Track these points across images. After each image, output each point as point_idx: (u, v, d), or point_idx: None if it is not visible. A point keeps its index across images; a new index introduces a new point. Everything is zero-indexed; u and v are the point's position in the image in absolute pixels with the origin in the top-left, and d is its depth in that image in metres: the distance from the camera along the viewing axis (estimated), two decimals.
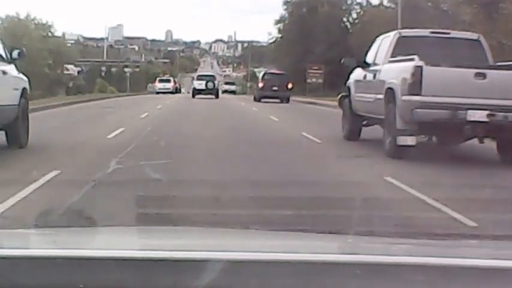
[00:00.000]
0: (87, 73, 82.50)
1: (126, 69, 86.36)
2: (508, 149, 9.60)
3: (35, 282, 1.33)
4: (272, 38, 64.37)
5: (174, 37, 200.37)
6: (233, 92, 58.76)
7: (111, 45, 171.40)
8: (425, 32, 11.07)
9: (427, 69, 9.17)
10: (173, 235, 2.06)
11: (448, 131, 9.55)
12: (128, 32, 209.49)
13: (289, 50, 56.13)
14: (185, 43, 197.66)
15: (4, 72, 9.14)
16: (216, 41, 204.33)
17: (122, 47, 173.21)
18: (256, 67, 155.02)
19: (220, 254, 1.44)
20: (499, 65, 10.05)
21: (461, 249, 1.88)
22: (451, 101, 9.14)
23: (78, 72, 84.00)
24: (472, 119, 9.15)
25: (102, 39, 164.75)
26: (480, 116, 9.16)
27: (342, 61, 12.01)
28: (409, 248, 1.82)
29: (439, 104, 9.13)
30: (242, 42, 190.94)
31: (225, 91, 57.19)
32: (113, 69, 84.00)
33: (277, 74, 38.61)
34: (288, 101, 33.64)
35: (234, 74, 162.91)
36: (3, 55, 9.50)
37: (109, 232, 2.17)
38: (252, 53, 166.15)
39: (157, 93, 50.71)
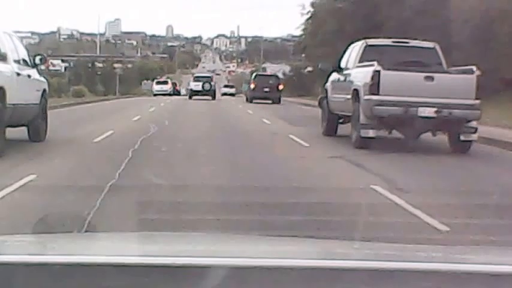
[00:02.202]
0: (71, 70, 76.77)
1: (116, 66, 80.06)
2: (456, 141, 12.37)
3: None
4: (307, 12, 46.01)
5: (175, 32, 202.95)
6: (232, 95, 61.90)
7: (107, 40, 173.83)
8: (388, 41, 13.89)
9: (384, 73, 11.95)
10: (174, 241, 2.13)
11: (403, 125, 12.32)
12: (127, 28, 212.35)
13: (340, 30, 37.05)
14: (186, 38, 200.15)
15: (29, 76, 11.52)
16: (218, 36, 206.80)
17: (120, 42, 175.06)
18: (263, 62, 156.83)
19: (223, 260, 1.52)
20: (445, 70, 12.85)
21: (468, 255, 1.97)
22: (404, 99, 11.91)
23: (65, 68, 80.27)
24: (422, 114, 11.92)
25: (100, 34, 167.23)
26: (429, 112, 11.93)
27: (319, 66, 14.87)
28: (416, 254, 1.90)
29: (394, 102, 11.90)
30: (246, 37, 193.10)
31: (224, 94, 60.57)
32: (100, 65, 77.82)
33: (269, 75, 42.49)
34: (279, 101, 36.49)
35: (239, 70, 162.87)
36: (28, 61, 11.91)
37: (108, 238, 2.27)
38: (257, 48, 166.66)
39: (155, 95, 54.25)
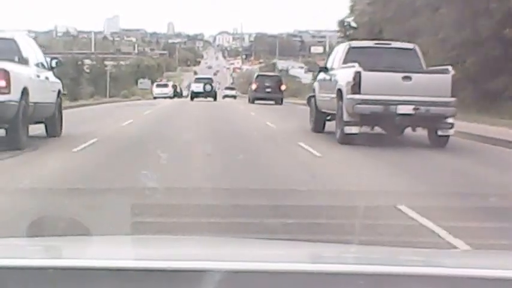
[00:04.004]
0: (58, 68, 77.22)
1: (107, 63, 78.78)
2: (434, 136, 13.91)
3: None
4: None
5: (176, 30, 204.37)
6: (233, 97, 63.41)
7: (104, 37, 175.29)
8: (370, 43, 15.47)
9: (365, 74, 13.49)
10: (170, 244, 2.24)
11: (383, 122, 13.87)
12: (127, 25, 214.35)
13: None
14: (188, 36, 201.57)
15: (47, 78, 13.66)
16: (220, 33, 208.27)
17: (118, 39, 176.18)
18: (268, 59, 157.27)
19: (219, 263, 1.58)
20: (422, 70, 14.42)
21: (467, 259, 2.09)
22: (384, 98, 13.42)
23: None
24: (401, 112, 13.44)
25: (99, 32, 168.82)
26: (407, 109, 13.45)
27: (307, 67, 16.46)
28: (414, 258, 2.01)
29: (374, 101, 13.41)
30: (249, 34, 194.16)
31: (225, 96, 62.25)
32: (90, 63, 74.65)
33: (271, 75, 43.77)
34: (281, 102, 37.79)
35: (245, 67, 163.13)
36: (45, 64, 13.97)
37: (103, 241, 2.37)
38: (262, 44, 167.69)
39: (155, 98, 56.35)
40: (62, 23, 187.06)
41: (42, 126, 13.85)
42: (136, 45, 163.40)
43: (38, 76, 12.95)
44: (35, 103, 12.17)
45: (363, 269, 1.59)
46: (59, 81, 14.88)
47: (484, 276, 1.55)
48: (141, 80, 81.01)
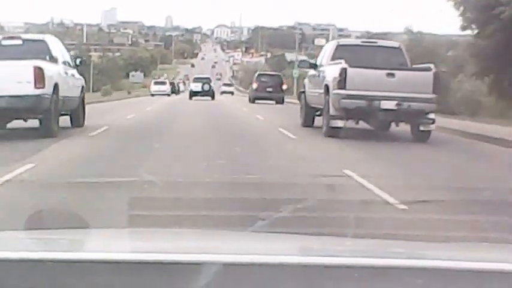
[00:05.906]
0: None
1: (92, 54, 76.51)
2: (417, 131, 15.04)
3: (24, 286, 1.50)
4: None
5: (175, 23, 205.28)
6: (231, 93, 65.32)
7: (100, 29, 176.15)
8: (357, 41, 16.62)
9: (350, 70, 14.65)
10: (166, 237, 2.30)
11: (368, 116, 15.03)
12: (125, 17, 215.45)
13: None
14: (186, 29, 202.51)
15: (73, 75, 15.61)
16: (218, 26, 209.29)
17: (115, 31, 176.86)
18: (268, 51, 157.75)
19: (215, 256, 1.62)
20: (405, 67, 15.58)
21: (460, 251, 2.13)
22: (368, 93, 14.58)
23: None
24: (384, 107, 14.59)
25: (96, 25, 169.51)
26: (390, 105, 14.60)
27: (298, 63, 17.69)
28: (408, 250, 2.06)
29: (359, 96, 14.56)
30: (248, 28, 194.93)
31: (223, 92, 64.28)
32: (71, 54, 75.54)
33: (272, 75, 44.52)
34: (282, 102, 38.09)
35: (245, 60, 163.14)
36: (71, 63, 15.84)
37: (101, 234, 2.42)
38: (261, 36, 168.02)
39: (153, 95, 58.77)
40: (60, 16, 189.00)
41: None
42: (130, 37, 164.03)
43: (66, 73, 14.86)
44: (63, 97, 13.98)
45: (358, 261, 1.65)
46: (82, 78, 16.88)
47: (475, 268, 1.61)
48: (132, 73, 79.45)
